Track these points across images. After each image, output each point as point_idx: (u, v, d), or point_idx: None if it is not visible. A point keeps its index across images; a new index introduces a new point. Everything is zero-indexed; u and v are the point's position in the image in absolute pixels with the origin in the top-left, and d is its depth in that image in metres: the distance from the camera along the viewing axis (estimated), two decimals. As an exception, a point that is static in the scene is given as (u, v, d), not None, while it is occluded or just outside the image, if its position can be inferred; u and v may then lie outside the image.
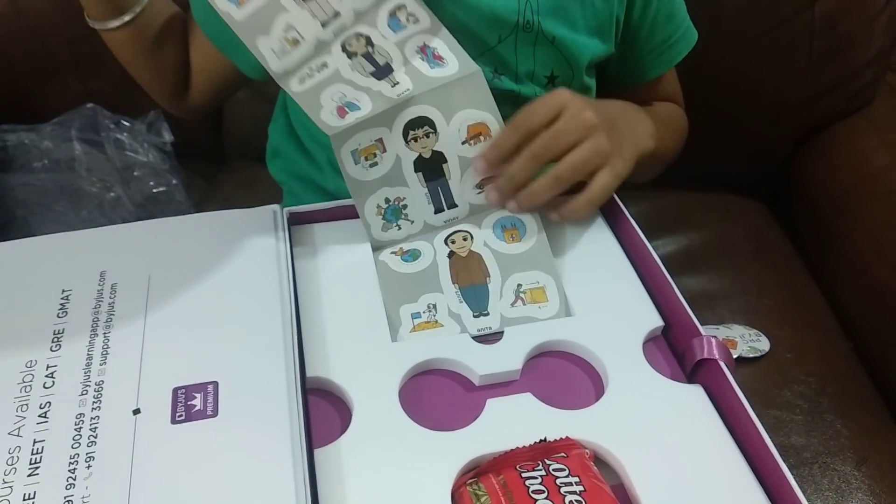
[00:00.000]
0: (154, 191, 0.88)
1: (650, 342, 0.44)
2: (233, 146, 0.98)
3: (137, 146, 0.92)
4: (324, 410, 0.39)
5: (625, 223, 0.49)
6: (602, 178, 0.48)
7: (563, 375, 0.42)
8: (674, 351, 0.44)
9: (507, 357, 0.41)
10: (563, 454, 0.37)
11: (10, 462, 0.33)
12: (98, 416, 0.35)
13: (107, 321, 0.39)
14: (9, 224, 0.90)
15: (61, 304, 0.40)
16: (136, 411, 0.35)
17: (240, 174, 0.94)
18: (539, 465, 0.36)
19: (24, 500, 0.32)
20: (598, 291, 0.46)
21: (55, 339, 0.38)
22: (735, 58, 0.86)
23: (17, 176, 0.90)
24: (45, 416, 0.35)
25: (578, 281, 0.46)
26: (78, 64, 0.97)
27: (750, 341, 0.64)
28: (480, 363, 0.41)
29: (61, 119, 0.93)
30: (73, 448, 0.34)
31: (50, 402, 0.36)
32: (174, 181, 0.89)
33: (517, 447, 0.37)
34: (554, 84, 0.57)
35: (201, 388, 0.36)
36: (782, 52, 0.85)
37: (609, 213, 0.51)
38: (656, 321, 0.44)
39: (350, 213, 0.49)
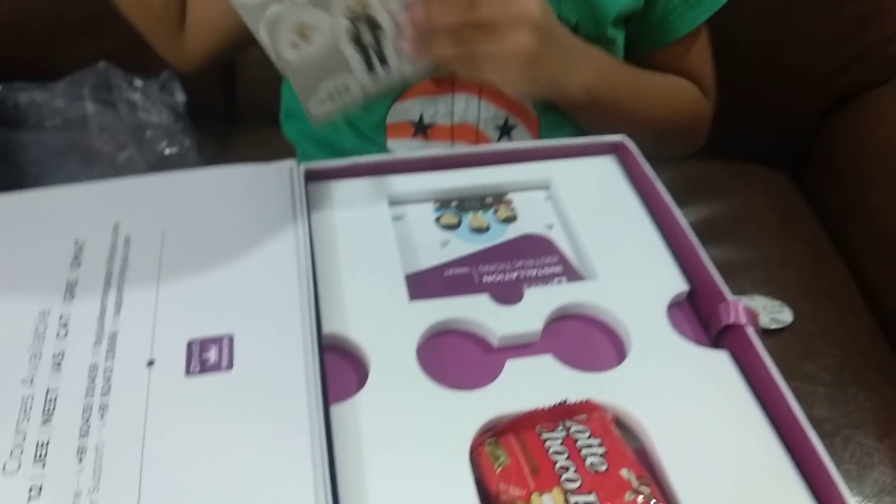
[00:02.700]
0: (166, 152, 0.87)
1: (674, 307, 0.43)
2: (246, 108, 0.97)
3: (150, 106, 0.91)
4: (340, 367, 0.38)
5: (650, 186, 0.48)
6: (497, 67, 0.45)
7: (585, 338, 0.41)
8: (698, 316, 0.43)
9: (527, 318, 0.40)
10: (584, 416, 0.36)
11: (23, 410, 0.33)
12: (112, 367, 0.34)
13: (120, 273, 0.39)
14: (20, 182, 0.89)
15: (74, 256, 0.40)
16: (151, 363, 0.35)
17: (253, 136, 0.93)
18: (559, 426, 0.35)
19: (37, 447, 0.32)
20: (622, 255, 0.44)
21: (68, 290, 0.38)
22: (762, 25, 0.84)
23: (28, 134, 0.90)
24: (58, 366, 0.35)
25: (601, 243, 0.45)
26: (90, 22, 0.95)
27: (772, 312, 0.62)
28: (500, 324, 0.40)
29: (73, 78, 0.92)
30: (86, 398, 0.33)
31: (63, 353, 0.35)
32: (187, 142, 0.88)
33: (537, 408, 0.36)
34: (577, 35, 0.55)
35: (216, 341, 0.36)
36: (811, 19, 0.82)
37: (634, 175, 0.50)
38: (681, 285, 0.43)
39: (367, 171, 0.48)
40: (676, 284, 0.43)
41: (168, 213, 0.42)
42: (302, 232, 0.41)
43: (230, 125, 0.97)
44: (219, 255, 0.40)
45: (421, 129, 0.57)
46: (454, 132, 0.57)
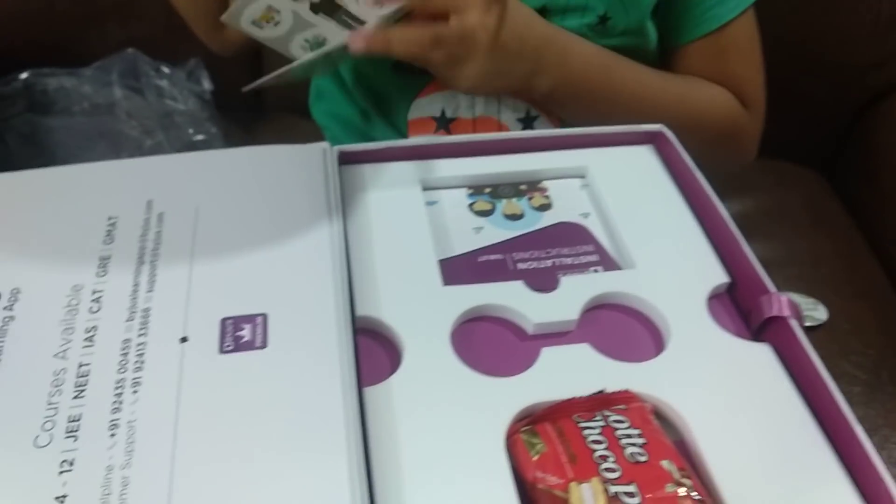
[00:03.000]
0: (193, 139, 0.87)
1: (714, 299, 0.41)
2: (272, 97, 0.97)
3: (177, 93, 0.91)
4: (373, 350, 0.38)
5: (689, 176, 0.47)
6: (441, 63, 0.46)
7: (622, 328, 0.40)
8: (738, 309, 0.42)
9: (564, 306, 0.40)
10: (622, 406, 0.35)
11: (55, 384, 0.33)
12: (145, 343, 0.34)
13: (154, 249, 0.38)
14: (49, 166, 0.90)
15: (107, 231, 0.39)
16: (184, 339, 0.34)
17: (279, 125, 0.93)
18: (597, 415, 0.34)
19: (69, 421, 0.31)
20: (661, 245, 0.43)
21: (101, 265, 0.38)
22: (797, 17, 0.82)
23: (57, 119, 0.90)
24: (90, 341, 0.34)
25: (639, 233, 0.44)
26: (119, 9, 0.96)
27: (807, 310, 0.61)
28: (535, 311, 0.39)
29: (101, 64, 0.92)
30: (119, 373, 0.33)
31: (96, 327, 0.35)
32: (213, 130, 0.88)
33: (574, 397, 0.35)
34: (605, 26, 0.53)
35: (250, 319, 0.35)
36: (849, 14, 0.80)
37: (673, 166, 0.49)
38: (721, 277, 0.42)
39: (402, 155, 0.47)
40: (716, 276, 0.42)
41: (201, 191, 0.41)
42: (335, 214, 0.41)
43: (256, 114, 0.97)
44: (252, 234, 0.39)
45: (443, 123, 0.56)
46: (476, 125, 0.56)
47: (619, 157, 0.49)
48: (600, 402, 0.35)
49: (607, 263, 0.43)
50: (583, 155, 0.49)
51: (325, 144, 0.46)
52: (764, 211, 0.76)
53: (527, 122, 0.55)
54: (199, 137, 0.87)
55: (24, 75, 0.92)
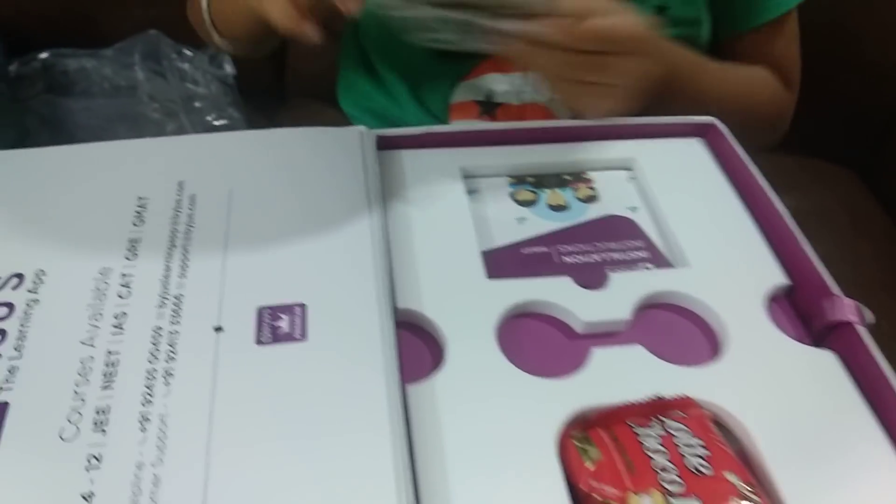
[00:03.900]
0: (215, 123, 0.85)
1: (772, 301, 0.39)
2: (295, 83, 0.95)
3: (199, 77, 0.89)
4: (414, 345, 0.36)
5: (743, 171, 0.44)
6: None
7: (676, 330, 0.38)
8: (798, 312, 0.39)
9: (615, 305, 0.37)
10: (680, 413, 0.33)
11: (81, 373, 0.31)
12: (177, 331, 0.32)
13: (186, 233, 0.36)
14: (68, 148, 0.88)
15: (137, 213, 0.37)
16: (219, 329, 0.32)
17: (302, 111, 0.91)
18: (654, 422, 0.32)
19: (96, 413, 0.29)
20: (714, 242, 0.41)
21: (130, 248, 0.36)
22: (836, 15, 0.79)
23: (77, 101, 0.89)
24: (119, 328, 0.32)
25: (691, 229, 0.42)
26: (141, -11, 0.94)
27: (853, 315, 0.58)
28: (585, 309, 0.37)
29: (123, 45, 0.90)
30: (150, 363, 0.31)
31: (126, 313, 0.33)
32: (236, 115, 0.86)
33: (628, 402, 0.33)
34: (664, 14, 0.51)
35: (288, 309, 0.33)
36: (888, 11, 0.78)
37: (725, 159, 0.46)
38: (780, 278, 0.40)
39: (441, 141, 0.45)
40: (775, 276, 0.40)
41: (235, 173, 0.40)
42: (375, 201, 0.39)
43: (278, 100, 0.95)
44: (288, 219, 0.37)
45: (488, 108, 0.54)
46: (524, 112, 0.54)
47: (667, 150, 0.47)
48: (656, 408, 0.33)
49: (658, 260, 0.41)
50: (630, 146, 0.47)
51: (362, 128, 0.43)
52: (801, 211, 0.73)
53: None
54: (221, 122, 0.86)
55: (43, 55, 0.90)
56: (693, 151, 0.47)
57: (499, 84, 0.52)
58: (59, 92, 0.89)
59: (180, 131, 0.80)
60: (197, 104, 0.86)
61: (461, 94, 0.55)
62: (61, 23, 0.95)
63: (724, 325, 0.37)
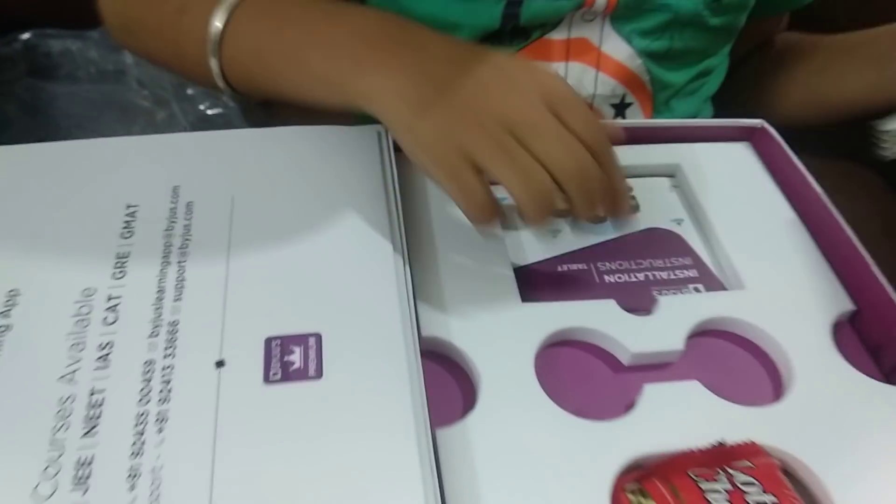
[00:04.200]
0: (209, 112, 0.80)
1: (836, 329, 0.35)
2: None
3: (192, 62, 0.84)
4: (443, 380, 0.32)
5: (799, 181, 0.40)
6: None
7: (734, 362, 0.34)
8: (862, 340, 0.35)
9: (665, 333, 0.33)
10: (747, 463, 0.29)
11: (61, 415, 0.26)
12: (172, 366, 0.28)
13: (182, 247, 0.32)
14: (51, 137, 0.82)
15: (126, 223, 0.33)
16: (220, 363, 0.28)
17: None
18: (720, 474, 0.28)
19: (78, 466, 0.25)
20: (770, 261, 0.37)
21: (118, 265, 0.31)
22: (861, 8, 0.75)
23: (61, 86, 0.83)
24: (105, 360, 0.28)
25: (745, 246, 0.38)
26: (131, -34, 0.88)
27: None
28: (632, 337, 0.33)
29: (111, 26, 0.85)
30: (140, 404, 0.27)
31: (112, 343, 0.28)
32: (231, 104, 0.81)
33: (689, 450, 0.29)
34: (719, 4, 0.47)
35: (301, 340, 0.29)
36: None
37: (775, 166, 0.42)
38: (845, 303, 0.36)
39: (466, 143, 0.41)
40: (840, 301, 0.36)
41: (237, 177, 0.35)
42: (396, 212, 0.34)
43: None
44: (299, 232, 0.33)
45: None
46: None
47: (713, 155, 0.43)
48: (720, 456, 0.29)
49: (708, 280, 0.37)
50: (672, 151, 0.43)
51: (379, 128, 0.39)
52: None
53: (619, 109, 0.48)
54: (215, 111, 0.80)
55: (24, 36, 0.84)
56: (740, 156, 0.43)
57: None
58: (41, 76, 0.83)
59: (171, 120, 0.75)
60: (189, 91, 0.81)
61: None
62: (44, 1, 0.89)
63: (788, 358, 0.33)
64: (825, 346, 0.34)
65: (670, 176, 0.42)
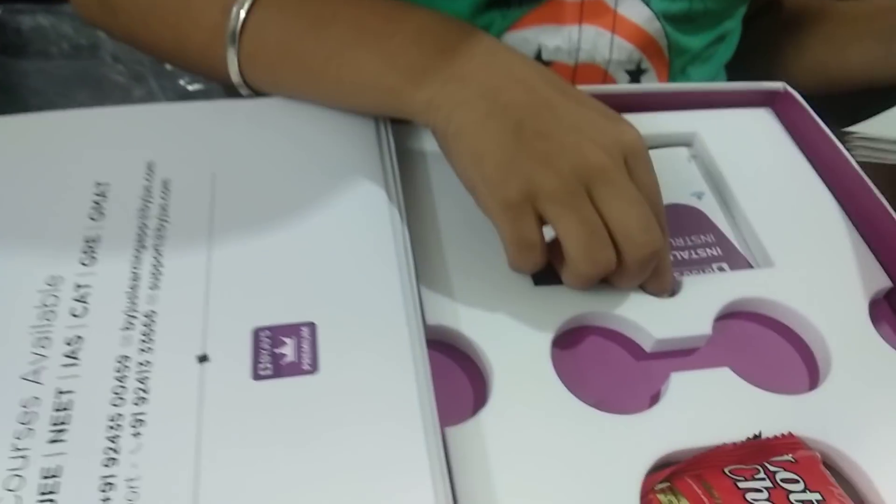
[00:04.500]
0: (189, 88, 0.76)
1: (875, 308, 0.33)
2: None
3: (171, 36, 0.80)
4: (451, 373, 0.29)
5: (828, 148, 0.37)
6: None
7: (766, 346, 0.31)
8: (900, 321, 0.33)
9: (691, 316, 0.31)
10: (787, 457, 0.27)
11: (23, 421, 0.23)
12: (149, 362, 0.25)
13: (158, 229, 0.29)
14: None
15: (95, 203, 0.29)
16: (203, 358, 0.25)
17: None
18: (758, 470, 0.26)
19: (43, 477, 0.22)
20: (800, 237, 0.34)
21: (87, 250, 0.28)
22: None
23: (31, 62, 0.79)
24: (73, 357, 0.25)
25: (771, 221, 0.35)
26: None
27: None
28: (656, 322, 0.30)
29: (84, -2, 0.80)
30: (114, 406, 0.24)
31: (81, 337, 0.25)
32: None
33: (723, 444, 0.27)
34: None
35: (293, 330, 0.26)
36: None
37: (799, 133, 0.39)
38: (882, 280, 0.33)
39: (468, 112, 0.37)
40: (875, 278, 0.33)
41: (219, 152, 0.32)
42: (395, 189, 0.31)
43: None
44: (288, 213, 0.30)
45: None
46: (577, 74, 0.46)
47: (732, 122, 0.40)
48: (757, 449, 0.27)
49: (733, 259, 0.34)
50: (688, 118, 0.40)
51: (374, 96, 0.36)
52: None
53: (634, 76, 0.45)
54: (196, 87, 0.77)
55: (-7, 10, 0.80)
56: (761, 123, 0.40)
57: (550, 38, 0.43)
58: (11, 53, 0.79)
59: (149, 97, 0.71)
60: (169, 67, 0.77)
61: None
62: (14, -26, 0.85)
63: (823, 340, 0.31)
64: (863, 326, 0.31)
65: (687, 145, 0.39)
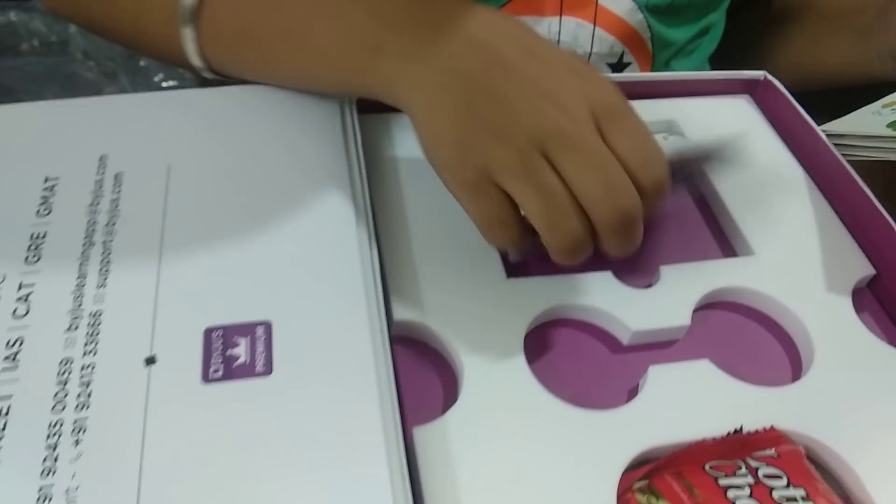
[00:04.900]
0: (163, 84, 0.74)
1: (857, 296, 0.32)
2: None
3: (144, 32, 0.78)
4: (419, 370, 0.28)
5: (808, 135, 0.36)
6: None
7: (747, 336, 0.30)
8: (884, 308, 0.32)
9: (669, 307, 0.30)
10: (770, 451, 0.26)
11: (-42, 427, 0.22)
12: (93, 365, 0.23)
13: (108, 224, 0.27)
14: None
15: (43, 198, 0.28)
16: (150, 360, 0.24)
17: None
18: (741, 466, 0.25)
19: (-23, 489, 0.21)
20: (781, 224, 0.33)
21: (32, 247, 0.26)
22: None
23: (2, 59, 0.77)
24: (13, 360, 0.23)
25: (750, 209, 0.34)
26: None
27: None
28: (633, 314, 0.29)
29: (54, -6, 0.78)
30: (54, 412, 0.22)
31: (21, 340, 0.24)
32: (188, 74, 0.75)
33: (703, 439, 0.26)
34: None
35: (247, 330, 0.24)
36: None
37: (779, 121, 0.38)
38: (864, 267, 0.32)
39: (439, 101, 0.36)
40: (858, 265, 0.32)
41: (175, 144, 0.30)
42: (359, 180, 0.30)
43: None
44: (246, 206, 0.28)
45: None
46: None
47: (711, 110, 0.39)
48: (739, 444, 0.26)
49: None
50: (667, 106, 0.39)
51: (340, 86, 0.34)
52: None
53: (617, 69, 0.44)
54: (170, 84, 0.75)
55: (-39, 8, 0.78)
56: (742, 111, 0.39)
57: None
58: (-20, 50, 0.77)
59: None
60: (142, 63, 0.76)
61: None
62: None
63: (805, 330, 0.29)
64: (846, 314, 0.30)
65: (665, 133, 0.38)
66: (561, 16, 0.41)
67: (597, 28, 0.42)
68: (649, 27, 0.43)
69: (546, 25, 0.41)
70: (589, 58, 0.43)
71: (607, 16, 0.42)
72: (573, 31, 0.42)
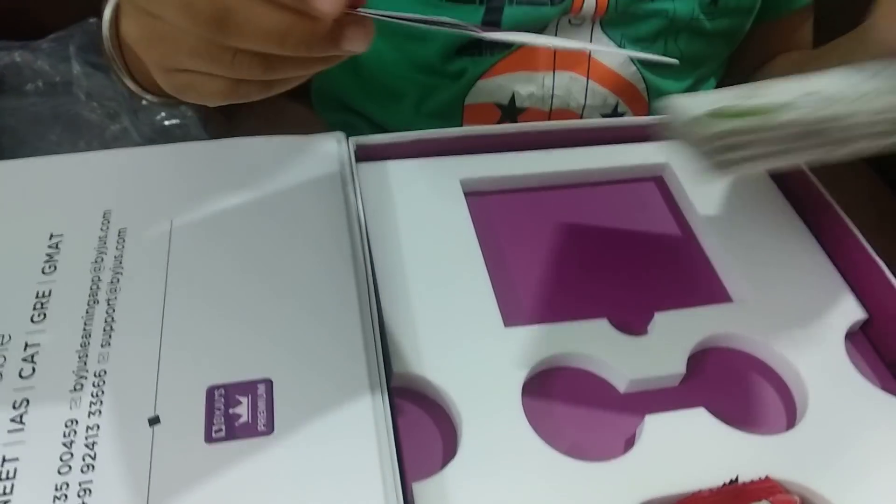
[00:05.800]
0: (165, 123, 0.75)
1: (850, 341, 0.32)
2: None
3: (146, 71, 0.80)
4: (418, 423, 0.28)
5: (801, 179, 0.37)
6: None
7: (742, 384, 0.31)
8: (878, 352, 0.32)
9: (665, 354, 0.30)
10: (765, 503, 0.26)
11: (-35, 490, 0.22)
12: (97, 426, 0.24)
13: (112, 282, 0.28)
14: (-6, 155, 0.79)
15: (48, 256, 0.29)
16: (154, 421, 0.24)
17: (265, 109, 0.81)
18: (736, 518, 0.25)
19: (-17, 555, 0.21)
20: (772, 268, 0.34)
21: (38, 306, 0.27)
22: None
23: (4, 100, 0.78)
24: (19, 421, 0.24)
25: (742, 253, 0.34)
26: (79, -28, 0.83)
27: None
28: (628, 361, 0.29)
29: (59, 35, 0.80)
30: (60, 473, 0.23)
31: (28, 400, 0.24)
32: (189, 112, 0.76)
33: (699, 490, 0.26)
34: (716, 6, 0.43)
35: (248, 388, 0.25)
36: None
37: (782, 176, 0.39)
38: (857, 312, 0.33)
39: (436, 149, 0.37)
40: (850, 310, 0.33)
41: (178, 198, 0.31)
42: (359, 234, 0.31)
43: (237, 95, 0.85)
44: (248, 262, 0.29)
45: (510, 113, 0.46)
46: (551, 119, 0.45)
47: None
48: (734, 495, 0.26)
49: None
50: (659, 149, 0.39)
51: (338, 135, 0.35)
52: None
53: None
54: (173, 122, 0.76)
55: (-34, 48, 0.79)
56: (733, 154, 0.40)
57: (524, 85, 0.43)
58: (-15, 90, 0.78)
59: (124, 134, 0.70)
60: (144, 101, 0.77)
61: (479, 95, 0.46)
62: (-12, 11, 0.84)
63: (799, 376, 0.30)
64: (839, 361, 0.31)
65: (657, 176, 0.39)
66: (555, 70, 0.42)
67: (590, 81, 0.43)
68: (643, 79, 0.44)
69: (540, 80, 0.42)
70: (583, 110, 0.44)
71: (601, 69, 0.43)
72: (566, 85, 0.43)
